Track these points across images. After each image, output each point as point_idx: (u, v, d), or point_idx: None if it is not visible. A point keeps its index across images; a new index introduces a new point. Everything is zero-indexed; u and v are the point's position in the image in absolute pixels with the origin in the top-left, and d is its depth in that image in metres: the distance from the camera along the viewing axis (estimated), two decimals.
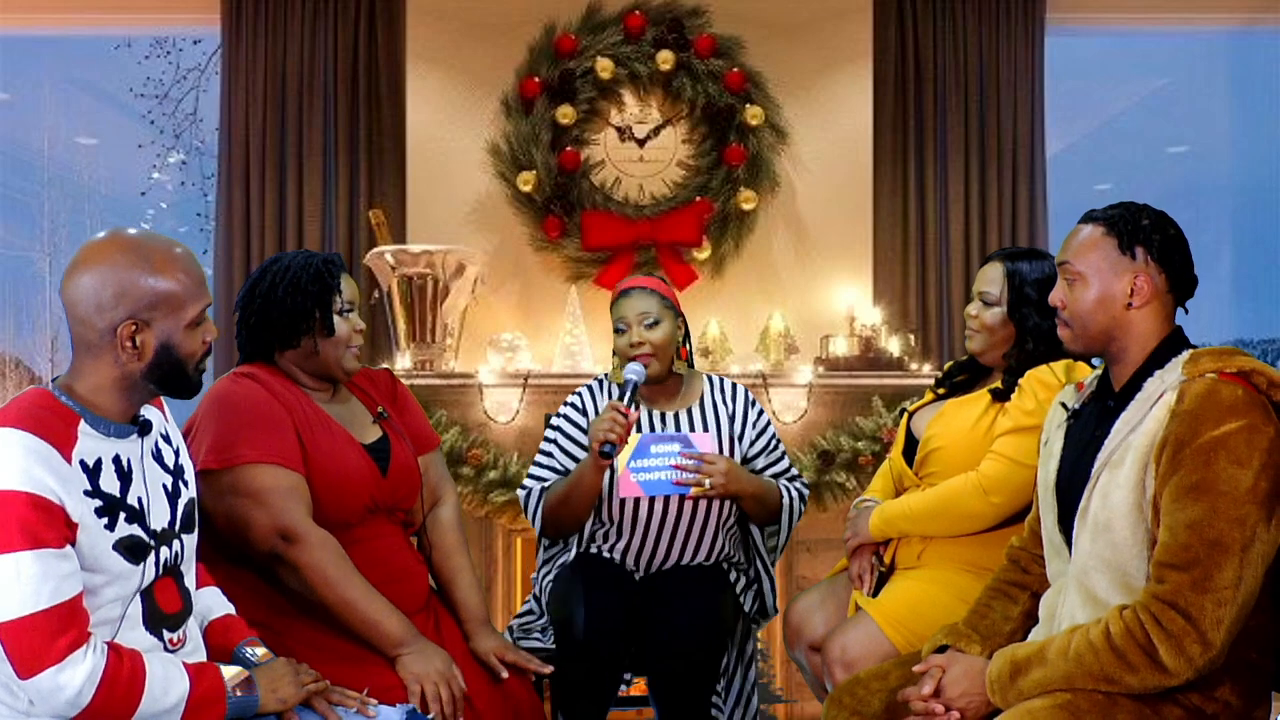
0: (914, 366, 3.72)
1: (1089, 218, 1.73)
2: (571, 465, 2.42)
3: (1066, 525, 1.72)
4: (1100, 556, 1.62)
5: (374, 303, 3.85)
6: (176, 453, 1.72)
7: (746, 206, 3.87)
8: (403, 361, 3.66)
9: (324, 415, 2.03)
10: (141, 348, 1.53)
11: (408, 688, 1.87)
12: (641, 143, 3.96)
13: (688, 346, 2.51)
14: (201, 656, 1.69)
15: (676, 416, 2.45)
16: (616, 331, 2.40)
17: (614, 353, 2.47)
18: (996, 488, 2.12)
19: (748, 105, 3.87)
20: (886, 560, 2.29)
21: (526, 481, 2.44)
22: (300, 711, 1.69)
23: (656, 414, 2.45)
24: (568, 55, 3.87)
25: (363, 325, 2.08)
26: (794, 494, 2.46)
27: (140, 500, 1.58)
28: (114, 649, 1.50)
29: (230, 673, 1.62)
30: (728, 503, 2.40)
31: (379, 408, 2.14)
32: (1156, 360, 1.66)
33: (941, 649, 1.82)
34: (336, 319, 2.02)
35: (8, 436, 1.45)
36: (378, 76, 4.10)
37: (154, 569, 1.59)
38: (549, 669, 2.11)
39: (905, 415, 2.41)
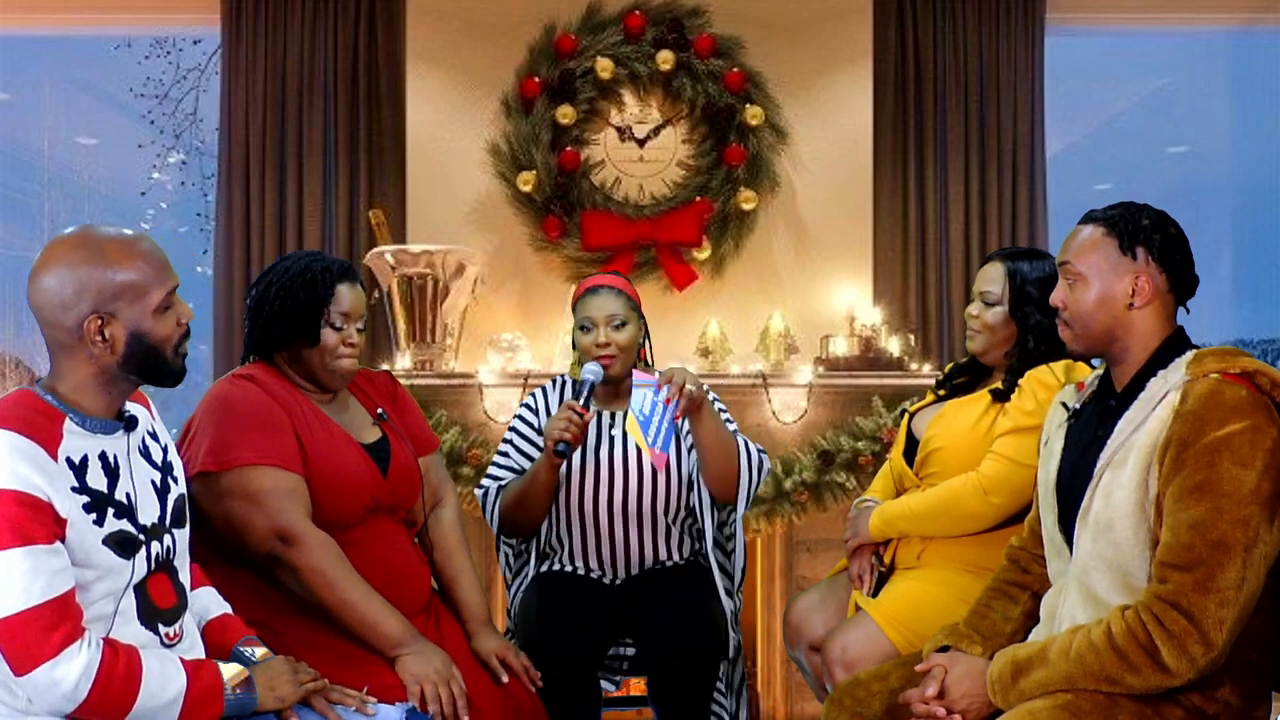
0: (914, 366, 3.71)
1: (1089, 218, 1.73)
2: (526, 464, 2.43)
3: (1067, 525, 1.72)
4: (1102, 556, 1.62)
5: (374, 303, 3.85)
6: (165, 449, 1.72)
7: (746, 206, 3.87)
8: (403, 361, 3.66)
9: (323, 416, 2.03)
10: (112, 340, 1.54)
11: (407, 688, 1.87)
12: (641, 143, 3.96)
13: (647, 347, 2.52)
14: (199, 654, 1.69)
15: (626, 415, 2.44)
16: (581, 329, 2.40)
17: (574, 347, 2.47)
18: (997, 488, 2.12)
19: (748, 105, 3.87)
20: (886, 560, 2.29)
21: (484, 481, 2.45)
22: (300, 710, 1.69)
23: (607, 414, 2.46)
24: (568, 55, 3.87)
25: (356, 339, 2.04)
26: (751, 450, 2.37)
27: (128, 495, 1.58)
28: (109, 644, 1.50)
29: (229, 671, 1.62)
30: (672, 493, 2.38)
31: (379, 409, 2.14)
32: (1159, 360, 1.66)
33: (942, 649, 1.82)
34: (324, 330, 2.00)
35: None
36: (378, 76, 4.09)
37: (145, 564, 1.59)
38: (538, 684, 2.10)
39: (906, 416, 2.42)
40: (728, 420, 2.47)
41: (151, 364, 1.58)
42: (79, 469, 1.52)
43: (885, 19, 4.13)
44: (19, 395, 1.54)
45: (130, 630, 1.57)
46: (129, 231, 1.60)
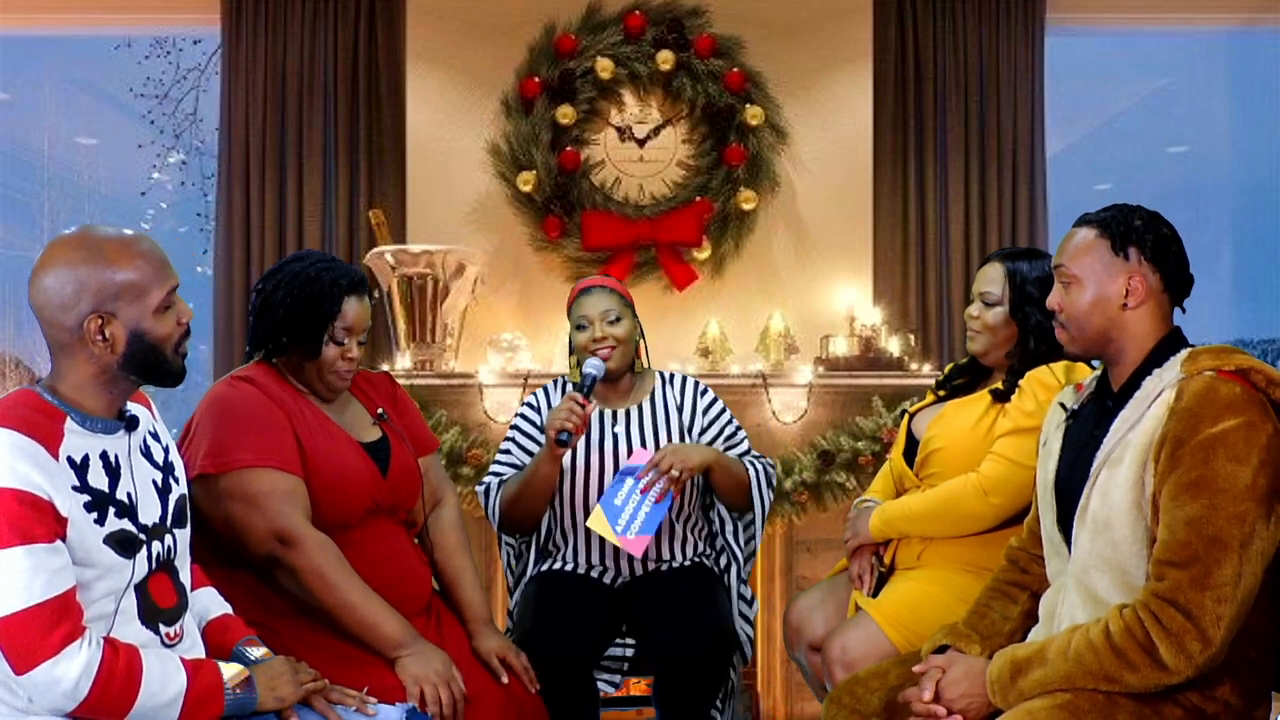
0: (914, 366, 3.71)
1: (1083, 221, 1.74)
2: (528, 460, 2.45)
3: (1066, 524, 1.72)
4: (1100, 555, 1.62)
5: (374, 303, 3.85)
6: (166, 450, 1.72)
7: (746, 206, 3.87)
8: (403, 361, 3.66)
9: (323, 417, 2.03)
10: (112, 339, 1.54)
11: (407, 689, 1.87)
12: (641, 143, 3.96)
13: (643, 346, 2.55)
14: (200, 654, 1.69)
15: (628, 413, 2.48)
16: (577, 329, 2.43)
17: (571, 352, 2.50)
18: (997, 489, 2.12)
19: (748, 105, 3.87)
20: (886, 561, 2.29)
21: (485, 478, 2.48)
22: (300, 710, 1.69)
23: (609, 412, 2.48)
24: (568, 55, 3.87)
25: (356, 354, 2.03)
26: (759, 469, 2.47)
27: (129, 495, 1.58)
28: (110, 643, 1.50)
29: (229, 671, 1.62)
30: (687, 496, 2.42)
31: (379, 409, 2.14)
32: (1155, 360, 1.66)
33: (941, 649, 1.82)
34: (326, 345, 1.99)
35: None
36: (378, 76, 4.09)
37: (146, 563, 1.59)
38: (537, 685, 2.10)
39: (906, 416, 2.42)
40: (737, 441, 2.51)
41: (152, 364, 1.58)
42: (80, 468, 1.52)
43: (885, 19, 4.13)
44: (20, 395, 1.55)
45: (131, 630, 1.57)
46: (129, 231, 1.60)
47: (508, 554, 2.58)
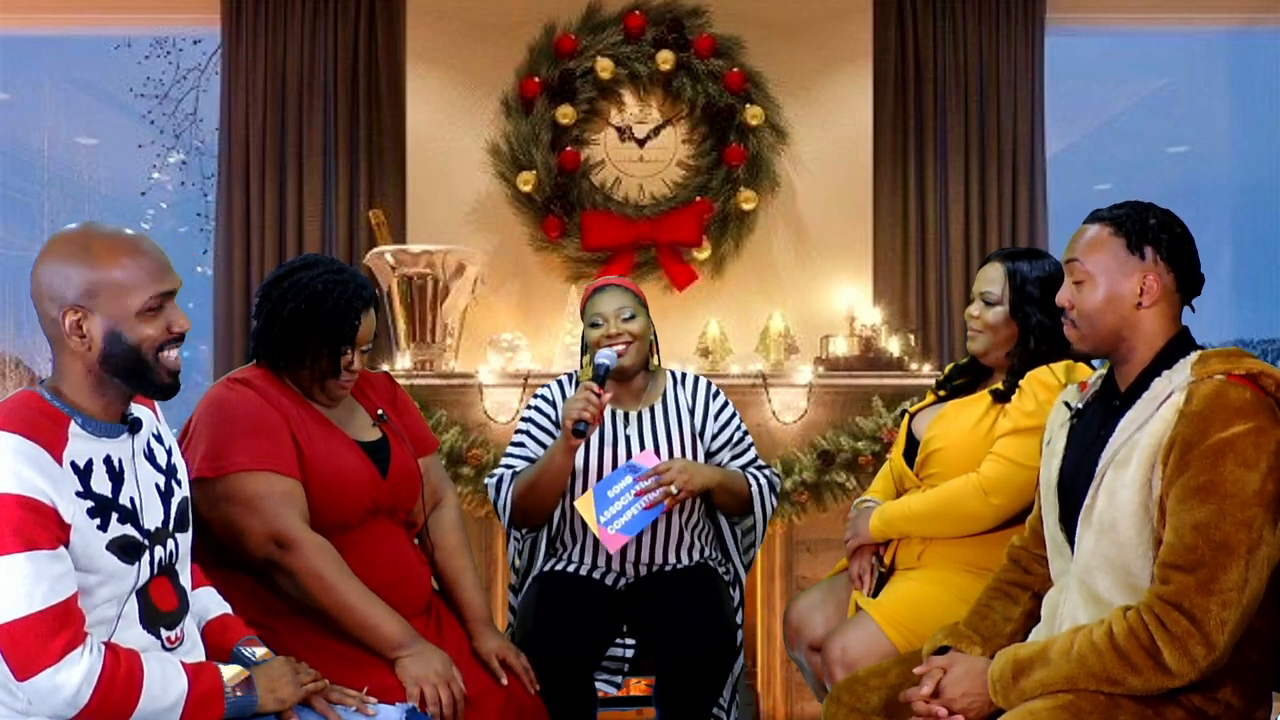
0: (914, 366, 3.71)
1: (1095, 217, 1.72)
2: (542, 453, 2.44)
3: (1069, 524, 1.71)
4: (1104, 556, 1.62)
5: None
6: (169, 452, 1.72)
7: (746, 206, 3.87)
8: (403, 361, 3.66)
9: (322, 418, 2.02)
10: (89, 337, 1.53)
11: (407, 689, 1.87)
12: (641, 143, 3.96)
13: (656, 345, 2.56)
14: (200, 655, 1.69)
15: (640, 415, 2.47)
16: (592, 326, 2.43)
17: (583, 351, 2.49)
18: (997, 489, 2.12)
19: (748, 105, 3.87)
20: (886, 561, 2.29)
21: (496, 470, 2.46)
22: (300, 711, 1.69)
23: (620, 414, 2.47)
24: (568, 55, 3.87)
25: (358, 365, 2.02)
26: (762, 481, 2.47)
27: (132, 500, 1.58)
28: (111, 649, 1.50)
29: (229, 672, 1.62)
30: (692, 500, 2.42)
31: (379, 410, 2.14)
32: (1164, 360, 1.65)
33: (942, 650, 1.81)
34: (341, 369, 1.98)
35: None
36: (378, 76, 4.09)
37: (149, 568, 1.59)
38: (536, 686, 2.10)
39: (906, 416, 2.42)
40: (745, 449, 2.51)
41: (131, 368, 1.55)
42: (83, 473, 1.51)
43: (885, 19, 4.13)
44: (24, 397, 1.54)
45: (132, 634, 1.57)
46: (129, 232, 1.58)
47: (513, 551, 2.57)
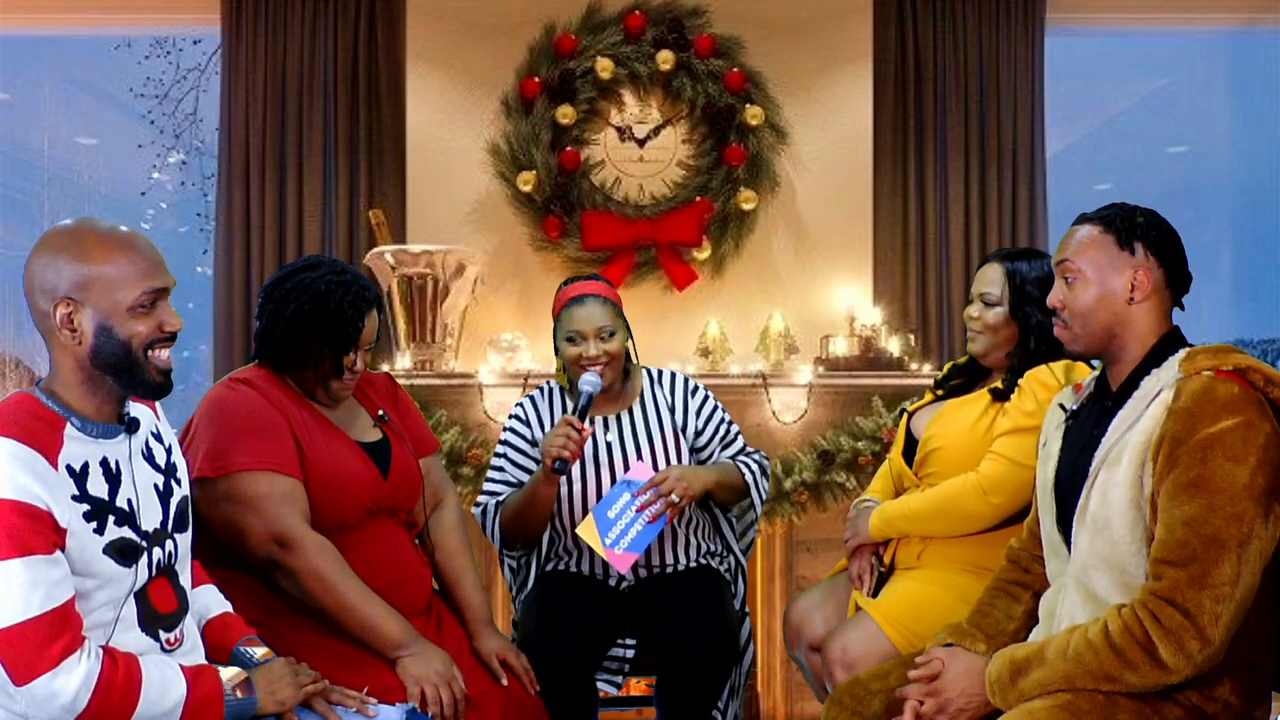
0: (914, 366, 3.71)
1: (1083, 219, 1.74)
2: (523, 476, 2.41)
3: (1065, 525, 1.72)
4: (1099, 555, 1.62)
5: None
6: (168, 451, 1.71)
7: (746, 206, 3.87)
8: (403, 361, 3.66)
9: (323, 419, 2.02)
10: (80, 331, 1.52)
11: (407, 690, 1.87)
12: (641, 143, 3.96)
13: (632, 345, 2.50)
14: (199, 656, 1.69)
15: (619, 419, 2.45)
16: (568, 341, 2.35)
17: (556, 352, 2.42)
18: (996, 488, 2.12)
19: (748, 105, 3.87)
20: (886, 560, 2.29)
21: (480, 498, 2.43)
22: (300, 711, 1.69)
23: (600, 419, 2.44)
24: (568, 55, 3.87)
25: (360, 366, 2.01)
26: (754, 468, 2.46)
27: (130, 502, 1.57)
28: (109, 653, 1.49)
29: (228, 674, 1.62)
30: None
31: (380, 410, 2.14)
32: (1154, 359, 1.66)
33: (945, 646, 1.81)
34: (344, 370, 1.98)
35: None
36: (378, 76, 4.09)
37: (147, 570, 1.58)
38: (536, 686, 2.10)
39: (905, 416, 2.42)
40: (732, 437, 2.50)
41: (122, 364, 1.54)
42: (79, 477, 1.51)
43: (885, 19, 4.13)
44: (19, 399, 1.53)
45: (130, 637, 1.56)
46: (124, 229, 1.57)
47: (509, 569, 2.55)
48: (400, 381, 2.35)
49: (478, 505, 2.43)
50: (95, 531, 1.51)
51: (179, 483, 1.71)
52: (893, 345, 3.72)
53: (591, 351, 2.33)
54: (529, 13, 3.92)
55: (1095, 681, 1.54)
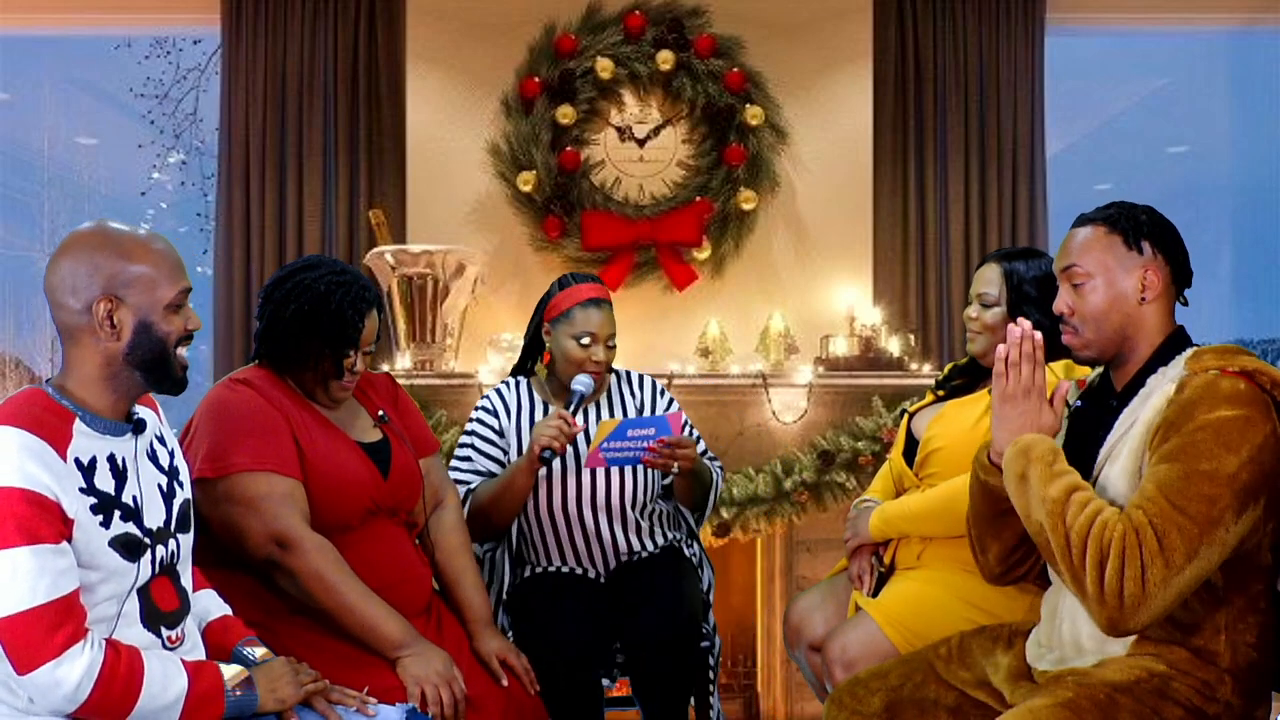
0: (914, 366, 3.71)
1: (1085, 220, 1.72)
2: (492, 466, 2.43)
3: None
4: None
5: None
6: (171, 454, 1.72)
7: (746, 206, 3.87)
8: (403, 361, 3.66)
9: (322, 419, 2.02)
10: (119, 326, 1.54)
11: (408, 690, 1.87)
12: (641, 143, 3.96)
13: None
14: (200, 656, 1.69)
15: (586, 411, 2.48)
16: (577, 340, 2.38)
17: (541, 346, 2.48)
18: None
19: (748, 105, 3.87)
20: (886, 561, 2.29)
21: None
22: (300, 711, 1.69)
23: (579, 416, 2.45)
24: (568, 55, 3.87)
25: (361, 367, 2.02)
26: (718, 472, 2.55)
27: (135, 498, 1.58)
28: (112, 645, 1.50)
29: (229, 672, 1.62)
30: (649, 494, 2.45)
31: (380, 411, 2.14)
32: (1160, 358, 1.65)
33: None
34: (344, 371, 1.98)
35: (3, 434, 1.46)
36: (378, 76, 4.09)
37: (150, 567, 1.59)
38: (536, 688, 2.10)
39: (905, 416, 2.42)
40: (694, 437, 2.53)
41: (156, 360, 1.57)
42: (87, 470, 1.52)
43: (885, 19, 4.13)
44: (29, 394, 1.55)
45: (132, 633, 1.57)
46: (146, 231, 1.61)
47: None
48: (400, 381, 2.35)
49: None
50: (101, 525, 1.52)
51: (181, 485, 1.72)
52: (893, 345, 3.72)
53: (599, 356, 2.38)
54: (529, 13, 3.92)
55: (1050, 545, 1.53)
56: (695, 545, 2.57)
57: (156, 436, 1.70)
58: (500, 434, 2.46)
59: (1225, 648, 1.54)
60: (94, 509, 1.51)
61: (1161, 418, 1.54)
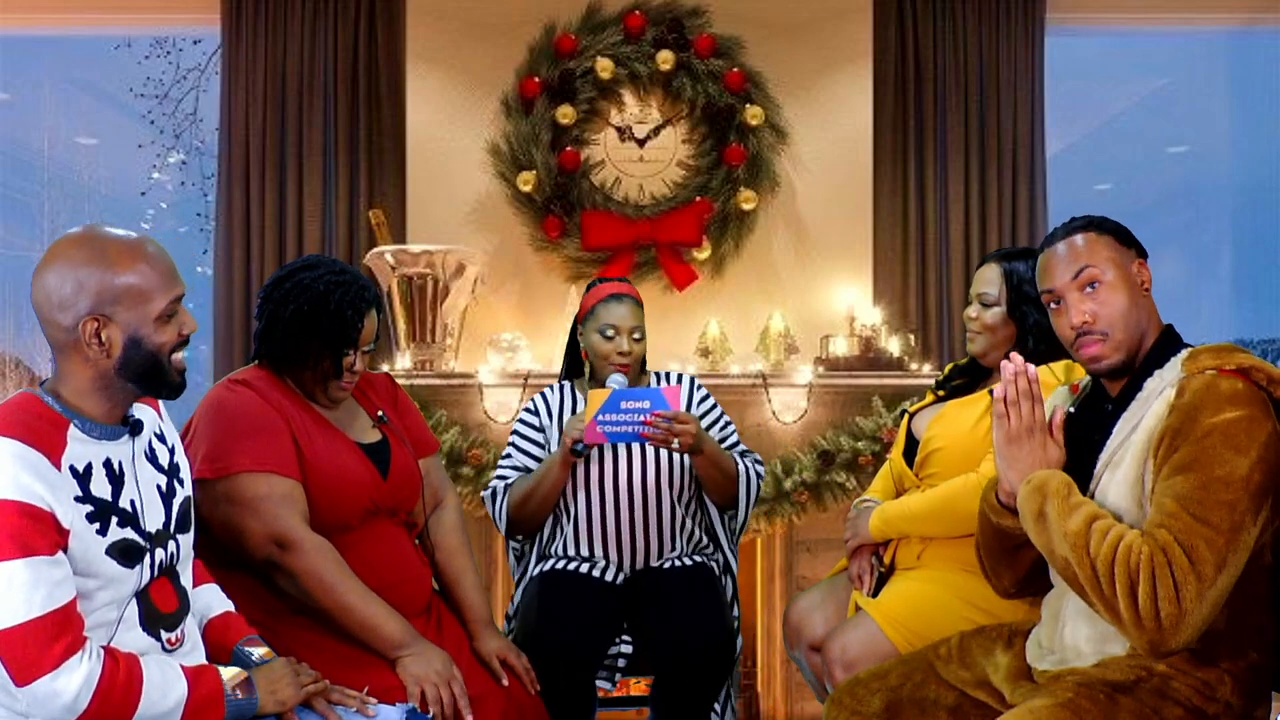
0: (914, 366, 3.71)
1: (1069, 230, 1.70)
2: (530, 463, 2.49)
3: None
4: None
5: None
6: (171, 451, 1.71)
7: (746, 206, 3.87)
8: (403, 361, 3.66)
9: (322, 420, 2.02)
10: (109, 344, 1.51)
11: (408, 689, 1.86)
12: (641, 143, 3.96)
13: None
14: (200, 655, 1.69)
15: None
16: (602, 335, 2.45)
17: (575, 348, 2.53)
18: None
19: (748, 105, 3.87)
20: (886, 561, 2.29)
21: (491, 483, 2.50)
22: (300, 711, 1.69)
23: None
24: (568, 55, 3.88)
25: (360, 366, 2.01)
26: (749, 465, 2.48)
27: (133, 503, 1.57)
28: (110, 654, 1.49)
29: (229, 674, 1.61)
30: (687, 484, 2.44)
31: (379, 411, 2.14)
32: (1154, 359, 1.65)
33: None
34: (344, 370, 1.98)
35: None
36: (378, 76, 4.10)
37: (149, 570, 1.58)
38: (537, 686, 2.10)
39: (906, 416, 2.42)
40: (728, 436, 2.53)
41: (150, 372, 1.55)
42: (82, 477, 1.50)
43: (885, 19, 4.13)
44: (22, 400, 1.52)
45: (131, 636, 1.56)
46: (135, 235, 1.56)
47: (513, 555, 2.60)
48: (400, 382, 2.36)
49: (487, 490, 2.50)
50: (98, 533, 1.50)
51: (182, 483, 1.71)
52: (893, 345, 3.72)
53: (625, 348, 2.43)
54: (529, 13, 3.92)
55: (1083, 585, 1.50)
56: (721, 555, 2.55)
57: (155, 434, 1.68)
58: (540, 430, 2.53)
59: (1225, 648, 1.54)
60: (90, 516, 1.49)
61: (1165, 424, 1.54)
